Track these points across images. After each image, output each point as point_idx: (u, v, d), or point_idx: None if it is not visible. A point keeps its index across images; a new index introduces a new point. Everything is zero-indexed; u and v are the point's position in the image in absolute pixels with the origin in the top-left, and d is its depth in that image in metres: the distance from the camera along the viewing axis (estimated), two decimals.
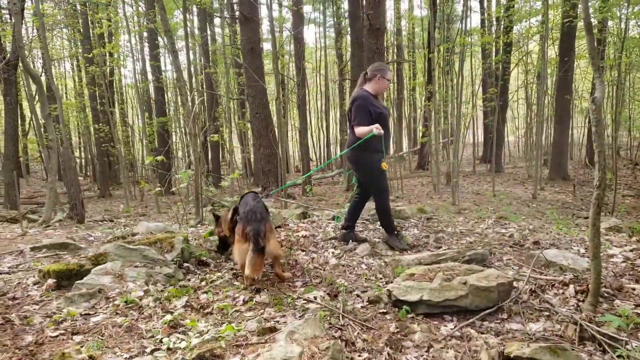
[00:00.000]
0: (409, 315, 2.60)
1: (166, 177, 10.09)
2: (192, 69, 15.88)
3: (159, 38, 14.99)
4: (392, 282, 2.93)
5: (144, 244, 3.54)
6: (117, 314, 2.59)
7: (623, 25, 11.29)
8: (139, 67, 16.85)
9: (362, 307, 2.76)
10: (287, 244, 4.39)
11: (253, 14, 10.38)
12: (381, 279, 3.31)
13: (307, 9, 21.82)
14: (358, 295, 2.96)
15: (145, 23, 14.89)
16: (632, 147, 17.62)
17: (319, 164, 22.10)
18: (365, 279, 3.30)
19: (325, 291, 2.99)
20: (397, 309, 2.67)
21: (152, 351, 2.13)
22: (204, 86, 17.03)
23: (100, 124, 16.67)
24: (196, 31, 17.82)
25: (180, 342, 2.21)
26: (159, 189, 6.12)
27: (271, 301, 2.77)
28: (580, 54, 16.16)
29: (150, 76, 17.38)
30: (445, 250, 3.82)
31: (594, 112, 2.35)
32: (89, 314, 2.59)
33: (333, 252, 4.11)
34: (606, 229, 5.29)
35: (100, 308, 2.69)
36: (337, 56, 21.63)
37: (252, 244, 2.99)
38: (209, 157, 16.84)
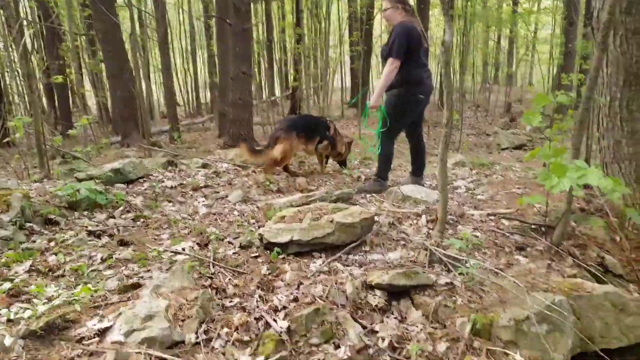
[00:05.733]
0: (281, 257, 2.65)
1: None
2: None
3: None
4: (264, 226, 2.94)
5: None
6: None
7: None
8: None
9: (233, 253, 2.73)
10: (152, 195, 4.11)
11: None
12: (254, 224, 3.30)
13: None
14: (230, 242, 2.91)
15: None
16: (475, 91, 19.88)
17: (186, 108, 20.81)
18: (238, 225, 3.25)
19: (194, 241, 2.88)
20: (269, 252, 2.70)
21: None
22: (42, 19, 14.50)
23: None
24: None
25: (23, 312, 1.94)
26: None
27: (134, 257, 2.58)
28: (434, 3, 17.34)
29: None
30: (315, 191, 3.94)
31: (443, 54, 2.52)
32: None
33: (203, 202, 3.97)
34: (453, 164, 5.97)
35: None
36: None
37: None
38: (56, 102, 14.68)
